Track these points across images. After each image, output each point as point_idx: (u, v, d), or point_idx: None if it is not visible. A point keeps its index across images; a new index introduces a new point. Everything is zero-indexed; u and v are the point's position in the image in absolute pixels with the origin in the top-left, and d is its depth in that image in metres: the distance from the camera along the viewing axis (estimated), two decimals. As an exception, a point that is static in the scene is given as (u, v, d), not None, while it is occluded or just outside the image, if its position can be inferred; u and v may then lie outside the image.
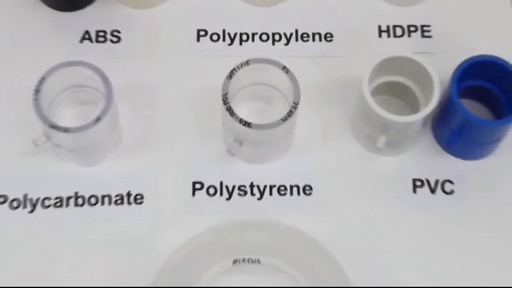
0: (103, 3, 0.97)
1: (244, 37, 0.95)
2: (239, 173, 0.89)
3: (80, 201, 0.87)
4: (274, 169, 0.89)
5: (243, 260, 0.83)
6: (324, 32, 0.96)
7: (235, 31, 0.96)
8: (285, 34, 0.96)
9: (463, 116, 0.83)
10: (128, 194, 0.87)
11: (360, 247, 0.85)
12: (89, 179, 0.88)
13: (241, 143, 0.84)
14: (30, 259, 0.84)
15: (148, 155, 0.90)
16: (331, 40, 0.95)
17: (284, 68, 0.84)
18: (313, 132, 0.91)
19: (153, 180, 0.89)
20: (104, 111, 0.82)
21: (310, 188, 0.88)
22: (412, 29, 0.96)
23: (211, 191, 0.88)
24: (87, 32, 0.95)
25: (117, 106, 0.85)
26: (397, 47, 0.94)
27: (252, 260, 0.83)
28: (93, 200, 0.87)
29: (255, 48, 0.94)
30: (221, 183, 0.88)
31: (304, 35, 0.96)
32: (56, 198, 0.87)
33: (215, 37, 0.95)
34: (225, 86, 0.83)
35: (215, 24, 0.96)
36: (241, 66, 0.84)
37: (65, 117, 0.88)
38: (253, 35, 0.96)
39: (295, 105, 0.82)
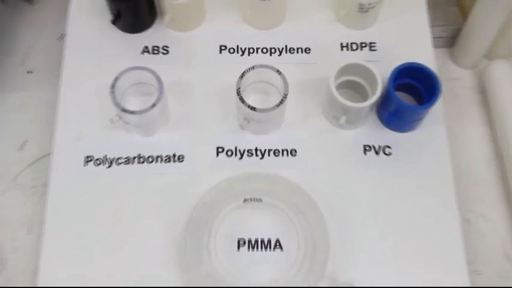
0: (157, 28, 0.99)
1: (251, 50, 0.97)
2: (248, 141, 0.91)
3: (141, 160, 0.89)
4: (271, 138, 0.91)
5: (250, 199, 0.86)
6: (305, 47, 0.97)
7: (245, 46, 0.97)
8: (278, 48, 0.97)
9: (397, 103, 0.87)
10: (174, 155, 0.89)
11: (329, 191, 0.87)
12: (148, 145, 0.90)
13: (249, 121, 0.87)
14: (107, 200, 0.87)
15: (187, 129, 0.92)
16: (309, 52, 0.97)
17: (278, 71, 0.87)
18: (297, 114, 0.93)
19: (190, 146, 0.90)
20: (158, 100, 0.85)
21: (296, 152, 0.90)
22: (363, 45, 0.97)
23: (229, 153, 0.90)
24: (146, 47, 0.97)
25: (166, 97, 0.89)
26: (353, 57, 0.95)
27: (256, 199, 0.86)
28: (150, 159, 0.89)
29: (258, 58, 0.96)
30: (236, 148, 0.90)
31: (291, 49, 0.97)
32: (126, 158, 0.89)
33: (232, 50, 0.97)
34: (238, 83, 0.86)
35: (232, 42, 0.97)
36: (249, 70, 0.87)
37: (132, 103, 0.90)
38: (257, 49, 0.97)
39: (285, 96, 0.85)
